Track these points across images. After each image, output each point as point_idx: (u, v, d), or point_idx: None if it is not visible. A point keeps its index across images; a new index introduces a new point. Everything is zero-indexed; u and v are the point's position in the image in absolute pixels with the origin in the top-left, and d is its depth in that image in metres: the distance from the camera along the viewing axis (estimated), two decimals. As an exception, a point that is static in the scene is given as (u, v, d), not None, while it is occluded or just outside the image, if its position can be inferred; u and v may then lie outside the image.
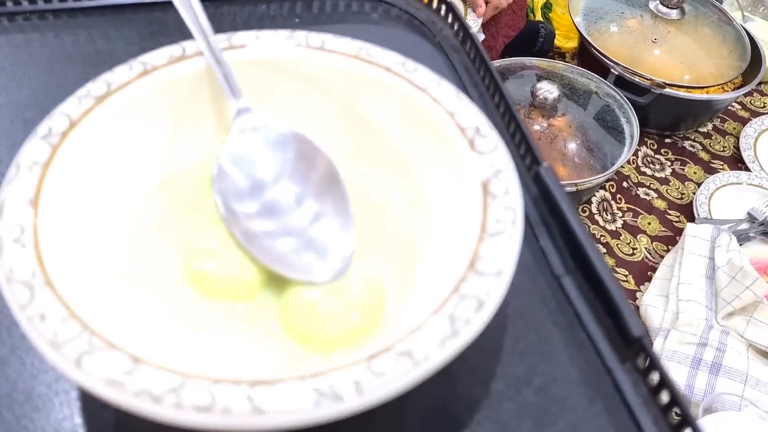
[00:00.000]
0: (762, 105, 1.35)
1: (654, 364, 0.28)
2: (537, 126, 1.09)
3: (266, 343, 0.28)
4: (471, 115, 0.31)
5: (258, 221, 0.29)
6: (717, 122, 1.30)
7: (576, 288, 0.32)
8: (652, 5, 1.22)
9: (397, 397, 0.23)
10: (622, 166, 1.19)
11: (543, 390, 0.29)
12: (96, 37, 0.39)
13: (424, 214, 0.32)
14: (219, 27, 0.41)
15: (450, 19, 0.42)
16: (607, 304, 0.31)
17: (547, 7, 1.38)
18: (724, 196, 1.14)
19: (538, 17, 1.37)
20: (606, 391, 0.29)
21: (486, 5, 1.08)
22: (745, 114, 1.32)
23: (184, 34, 0.32)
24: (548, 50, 1.35)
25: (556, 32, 1.35)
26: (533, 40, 1.34)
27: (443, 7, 0.42)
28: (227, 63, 0.32)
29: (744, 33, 1.24)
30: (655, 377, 0.27)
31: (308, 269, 0.28)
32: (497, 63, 1.15)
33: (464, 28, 0.41)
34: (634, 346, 0.29)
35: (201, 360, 0.27)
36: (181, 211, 0.32)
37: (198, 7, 0.33)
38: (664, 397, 0.27)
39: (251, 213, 0.30)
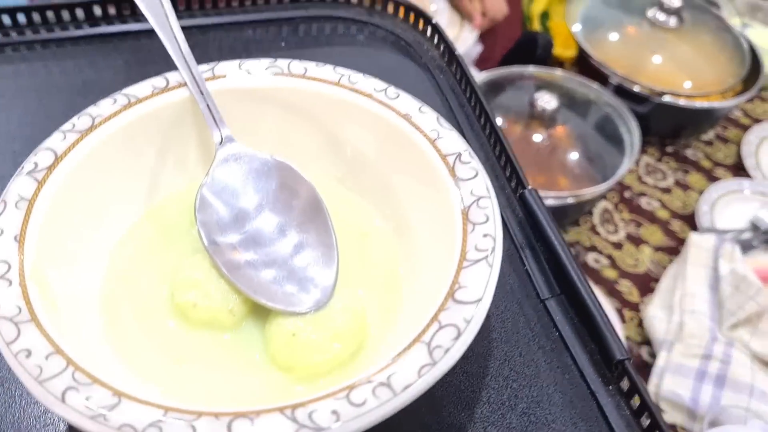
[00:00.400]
0: (764, 111, 1.35)
1: (635, 388, 0.28)
2: (536, 136, 1.09)
3: (251, 373, 0.29)
4: (452, 141, 0.31)
5: (241, 252, 0.30)
6: (719, 130, 1.30)
7: (561, 311, 0.32)
8: (649, 13, 1.22)
9: (378, 423, 0.24)
10: (624, 176, 1.18)
11: (527, 413, 0.29)
12: (84, 67, 0.39)
13: (407, 241, 0.32)
14: (205, 52, 0.42)
15: (436, 40, 0.42)
16: (591, 327, 0.31)
17: (545, 16, 1.38)
18: (726, 205, 1.13)
19: (536, 26, 1.37)
20: (590, 414, 0.29)
21: (482, 16, 1.09)
22: (747, 121, 1.32)
23: (171, 61, 0.33)
24: (547, 59, 1.35)
25: (555, 41, 1.35)
26: (532, 49, 1.34)
27: (429, 28, 0.43)
28: (210, 93, 0.32)
29: (743, 40, 1.24)
30: (636, 401, 0.27)
31: (290, 299, 0.29)
32: (495, 72, 1.16)
33: (450, 49, 0.41)
34: (617, 369, 0.29)
35: (186, 392, 0.28)
36: (166, 241, 0.32)
37: (181, 37, 0.33)
38: (645, 420, 0.27)
39: (234, 243, 0.30)
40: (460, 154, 0.30)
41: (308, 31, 0.44)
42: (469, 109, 0.40)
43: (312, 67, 0.34)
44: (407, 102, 0.32)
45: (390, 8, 0.44)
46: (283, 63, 0.34)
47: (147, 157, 0.32)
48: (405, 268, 0.31)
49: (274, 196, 0.31)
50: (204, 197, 0.30)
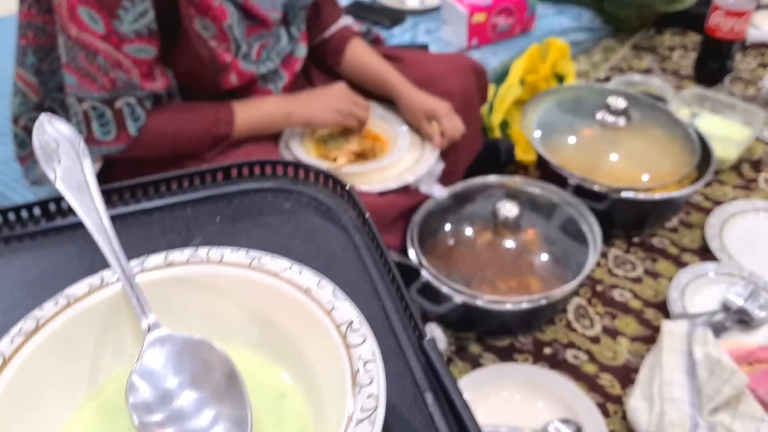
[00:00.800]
0: (723, 194, 1.40)
1: None
2: (504, 243, 1.14)
3: None
4: (345, 311, 0.36)
5: (166, 429, 0.34)
6: (682, 216, 1.35)
7: (459, 453, 0.35)
8: (598, 116, 1.30)
9: None
10: (594, 271, 1.23)
11: None
12: (41, 259, 0.45)
13: (317, 401, 0.36)
14: (150, 233, 0.48)
15: (352, 204, 0.48)
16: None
17: (504, 125, 1.47)
18: (696, 289, 1.17)
19: (498, 135, 1.46)
20: None
21: (441, 137, 1.17)
22: (708, 204, 1.37)
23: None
24: (510, 163, 1.43)
25: (516, 146, 1.43)
26: (495, 155, 1.42)
27: (345, 194, 0.49)
28: (139, 285, 0.38)
29: (690, 130, 1.31)
30: None
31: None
32: (459, 186, 1.22)
33: (361, 211, 0.46)
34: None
35: None
36: (107, 421, 0.36)
37: (113, 235, 0.39)
38: None
39: (160, 421, 0.34)
40: (351, 322, 0.35)
41: (241, 204, 0.50)
42: (380, 264, 0.45)
43: (228, 253, 0.39)
44: (308, 278, 0.38)
45: (311, 176, 0.50)
46: (203, 251, 0.39)
47: (87, 347, 0.37)
48: (317, 426, 0.35)
49: (195, 373, 0.36)
50: (133, 382, 0.35)
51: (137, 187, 0.50)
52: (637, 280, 1.22)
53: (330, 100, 1.10)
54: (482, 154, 1.36)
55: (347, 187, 0.48)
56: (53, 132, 0.41)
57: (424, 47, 1.60)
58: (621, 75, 1.73)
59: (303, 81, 1.22)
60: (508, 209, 1.12)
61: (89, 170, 0.40)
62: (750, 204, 1.34)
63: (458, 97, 1.23)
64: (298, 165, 0.50)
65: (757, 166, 1.48)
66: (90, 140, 0.94)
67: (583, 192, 1.23)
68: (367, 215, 0.45)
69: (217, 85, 1.01)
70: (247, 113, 1.04)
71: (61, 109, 1.07)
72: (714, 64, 1.72)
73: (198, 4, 0.93)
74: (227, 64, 1.00)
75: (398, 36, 1.67)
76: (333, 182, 0.49)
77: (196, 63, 0.97)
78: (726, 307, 1.12)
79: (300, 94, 1.12)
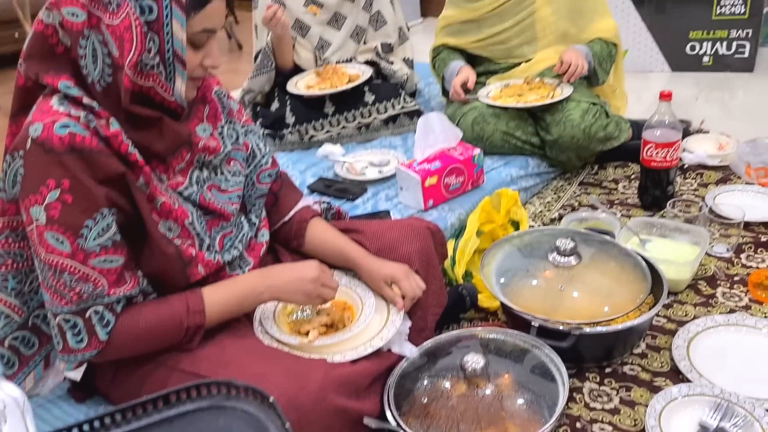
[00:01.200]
0: (685, 314, 1.46)
1: None
2: (477, 392, 1.17)
3: None
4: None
5: None
6: (649, 340, 1.40)
7: None
8: (550, 257, 1.39)
9: None
10: (570, 407, 1.26)
11: None
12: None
13: None
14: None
15: (277, 414, 0.54)
16: None
17: (468, 275, 1.55)
18: (672, 414, 1.19)
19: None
20: None
21: (403, 299, 1.24)
22: (672, 326, 1.43)
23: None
24: (474, 304, 1.50)
25: (481, 294, 1.50)
26: (461, 303, 1.49)
27: (271, 406, 0.55)
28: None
29: (638, 257, 1.39)
30: None
31: None
32: (428, 344, 1.28)
33: (284, 422, 0.53)
34: None
35: None
36: None
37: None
38: None
39: None
40: None
41: (180, 424, 0.56)
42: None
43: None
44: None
45: (242, 392, 0.57)
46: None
47: None
48: None
49: None
50: None
51: (83, 426, 0.55)
52: (615, 411, 1.24)
53: (299, 283, 1.15)
54: (449, 306, 1.43)
55: (271, 400, 0.54)
56: (1, 394, 0.47)
57: (386, 214, 1.71)
58: (572, 212, 1.84)
59: (271, 261, 1.31)
60: (475, 361, 1.16)
61: (32, 428, 0.46)
62: (712, 320, 1.40)
63: (417, 259, 1.31)
64: (229, 384, 0.57)
65: (712, 282, 1.55)
66: (65, 350, 1.00)
67: (548, 332, 1.28)
68: (287, 425, 0.51)
69: (186, 278, 1.09)
70: (218, 300, 1.10)
71: (44, 324, 1.14)
72: (656, 191, 1.85)
73: (160, 211, 1.04)
74: (193, 258, 1.08)
75: (361, 206, 1.80)
76: (261, 396, 0.56)
77: (163, 261, 1.05)
78: (703, 429, 1.14)
79: (270, 270, 1.18)
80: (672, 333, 1.39)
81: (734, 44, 2.89)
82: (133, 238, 1.03)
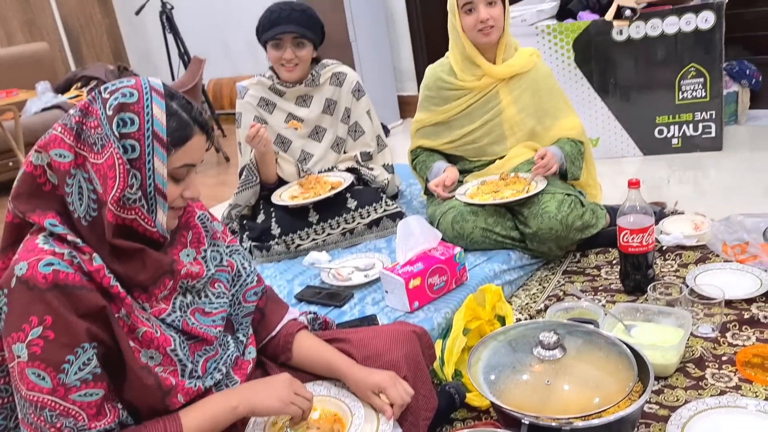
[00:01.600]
0: (676, 399, 1.46)
1: None
2: (474, 499, 1.16)
3: None
4: None
5: None
6: (642, 428, 1.39)
7: None
8: (535, 352, 1.40)
9: None
10: (570, 507, 1.23)
11: None
12: None
13: None
14: None
15: None
16: None
17: (457, 374, 1.55)
18: (672, 505, 1.17)
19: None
20: None
21: (391, 407, 1.24)
22: (664, 412, 1.42)
23: None
24: (463, 401, 1.50)
25: (472, 393, 1.50)
26: (451, 402, 1.49)
27: None
28: None
29: (622, 345, 1.40)
30: None
31: None
32: (421, 451, 1.27)
33: None
34: None
35: None
36: None
37: None
38: None
39: None
40: None
41: None
42: None
43: None
44: None
45: None
46: None
47: None
48: None
49: None
50: None
51: None
52: (616, 508, 1.22)
53: (272, 390, 1.16)
54: (440, 408, 1.43)
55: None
56: None
57: (373, 319, 1.73)
58: (557, 302, 1.87)
59: (260, 376, 1.31)
60: (470, 464, 1.16)
61: None
62: (703, 403, 1.40)
63: (404, 365, 1.32)
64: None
65: (700, 363, 1.56)
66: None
67: (540, 429, 1.27)
68: None
69: (166, 407, 1.09)
70: (194, 419, 1.09)
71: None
72: (636, 275, 1.88)
73: (141, 340, 1.06)
74: (173, 387, 1.09)
75: (349, 312, 1.82)
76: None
77: (143, 392, 1.06)
78: None
79: (244, 385, 1.19)
80: (665, 419, 1.38)
81: (700, 125, 3.01)
82: (113, 369, 1.05)
